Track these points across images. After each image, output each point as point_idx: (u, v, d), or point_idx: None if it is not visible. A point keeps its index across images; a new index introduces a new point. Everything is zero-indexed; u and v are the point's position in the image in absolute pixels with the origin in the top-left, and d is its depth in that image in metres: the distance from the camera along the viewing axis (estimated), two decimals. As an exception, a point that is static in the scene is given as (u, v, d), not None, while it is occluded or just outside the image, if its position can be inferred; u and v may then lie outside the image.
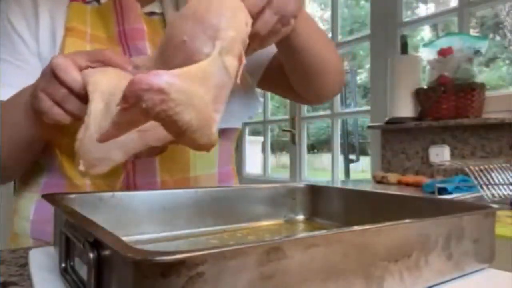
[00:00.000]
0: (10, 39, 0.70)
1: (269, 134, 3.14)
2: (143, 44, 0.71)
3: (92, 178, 0.67)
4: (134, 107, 0.33)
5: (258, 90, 0.88)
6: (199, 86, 0.37)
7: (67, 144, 0.66)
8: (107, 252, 0.31)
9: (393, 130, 1.93)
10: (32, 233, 0.70)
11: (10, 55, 0.70)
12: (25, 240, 0.70)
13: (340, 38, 2.58)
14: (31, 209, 0.70)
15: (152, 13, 0.77)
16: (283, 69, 0.77)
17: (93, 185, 0.67)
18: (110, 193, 0.55)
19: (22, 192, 0.74)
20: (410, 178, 1.60)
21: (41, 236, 0.68)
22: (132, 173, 0.68)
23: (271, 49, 0.81)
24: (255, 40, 0.52)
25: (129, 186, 0.68)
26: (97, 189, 0.67)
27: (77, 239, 0.35)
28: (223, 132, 0.76)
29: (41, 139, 0.66)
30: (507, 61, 2.09)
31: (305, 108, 2.76)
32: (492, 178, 1.09)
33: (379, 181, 1.67)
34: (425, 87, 1.76)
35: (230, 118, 0.74)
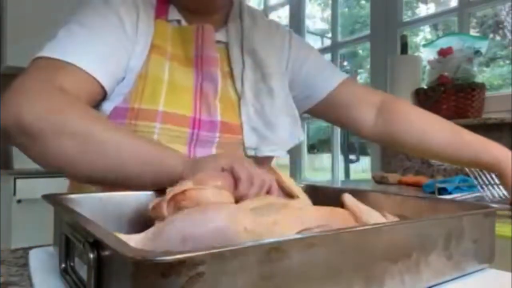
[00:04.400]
0: (107, 18, 0.70)
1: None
2: (215, 70, 0.78)
3: None
4: None
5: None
6: None
7: None
8: (107, 252, 0.31)
9: (393, 130, 1.92)
10: None
11: (97, 23, 0.69)
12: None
13: (340, 38, 2.58)
14: None
15: (218, 42, 0.82)
16: (339, 107, 0.90)
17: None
18: (110, 193, 0.55)
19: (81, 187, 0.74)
20: (410, 178, 1.59)
21: None
22: None
23: (327, 85, 0.89)
24: None
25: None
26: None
27: (77, 239, 0.35)
28: (267, 158, 0.82)
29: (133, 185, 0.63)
30: (507, 61, 2.09)
31: (305, 108, 2.76)
32: (492, 178, 1.09)
33: (379, 181, 1.67)
34: (425, 87, 1.76)
35: (277, 149, 0.80)
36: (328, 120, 0.96)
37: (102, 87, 0.68)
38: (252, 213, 0.43)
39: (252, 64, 0.83)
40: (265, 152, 0.79)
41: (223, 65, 0.82)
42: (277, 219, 0.43)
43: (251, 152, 0.79)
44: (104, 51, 0.69)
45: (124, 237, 0.38)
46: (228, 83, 0.81)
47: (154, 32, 0.76)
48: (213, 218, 0.39)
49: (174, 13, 0.80)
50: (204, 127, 0.75)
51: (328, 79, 0.91)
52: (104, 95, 0.70)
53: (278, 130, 0.80)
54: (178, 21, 0.80)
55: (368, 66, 2.31)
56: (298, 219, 0.44)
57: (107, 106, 0.71)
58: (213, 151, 0.76)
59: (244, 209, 0.43)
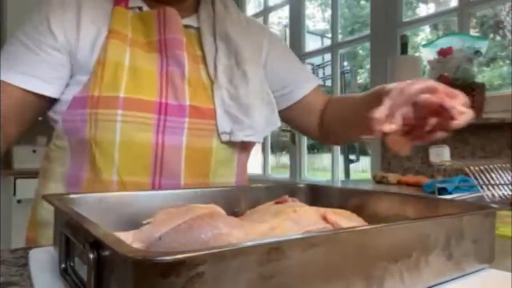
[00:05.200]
0: (38, 31, 0.71)
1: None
2: (181, 54, 0.75)
3: (122, 175, 0.69)
4: None
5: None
6: None
7: (105, 141, 0.69)
8: (107, 253, 0.31)
9: (393, 130, 1.92)
10: None
11: (31, 41, 0.71)
12: (46, 230, 0.71)
13: (340, 38, 2.58)
14: None
15: (188, 26, 0.81)
16: (307, 113, 0.90)
17: (119, 182, 0.69)
18: (110, 193, 0.55)
19: (46, 183, 0.76)
20: (410, 178, 1.60)
21: None
22: (159, 174, 0.71)
23: (304, 90, 0.90)
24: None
25: (154, 186, 0.70)
26: (123, 187, 0.69)
27: (77, 239, 0.35)
28: (244, 145, 0.80)
29: None
30: (507, 61, 2.09)
31: (305, 108, 2.76)
32: (492, 178, 1.09)
33: (379, 181, 1.67)
34: (425, 87, 1.75)
35: (253, 134, 0.78)
36: (283, 120, 0.93)
37: (37, 94, 0.70)
38: (246, 221, 0.43)
39: (226, 49, 0.81)
40: (240, 137, 0.76)
41: (194, 49, 0.80)
42: (274, 224, 0.43)
43: (225, 137, 0.76)
44: (31, 59, 0.70)
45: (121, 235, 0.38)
46: (201, 67, 0.79)
47: (111, 19, 0.74)
48: (203, 231, 0.38)
49: (135, 1, 0.78)
50: (172, 112, 0.72)
51: (304, 82, 0.91)
52: (51, 99, 0.72)
53: (254, 114, 0.77)
54: (140, 8, 0.78)
55: (368, 66, 2.31)
56: (296, 222, 0.44)
57: (66, 97, 0.71)
58: (184, 138, 0.73)
59: (235, 220, 0.42)
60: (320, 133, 0.93)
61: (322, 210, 0.48)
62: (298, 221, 0.44)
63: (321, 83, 0.96)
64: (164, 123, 0.71)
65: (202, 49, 0.80)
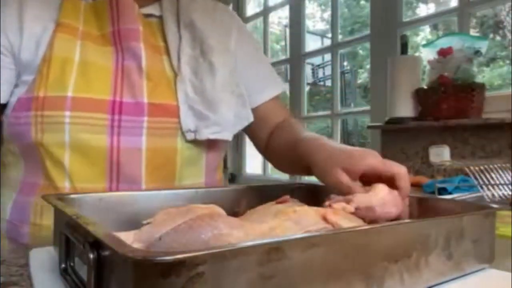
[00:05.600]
0: None
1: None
2: (137, 45, 0.68)
3: (74, 182, 0.65)
4: None
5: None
6: None
7: (53, 145, 0.64)
8: (107, 253, 0.31)
9: (393, 130, 1.93)
10: (8, 233, 0.68)
11: None
12: (3, 240, 0.68)
13: (340, 38, 2.58)
14: (8, 208, 0.68)
15: (150, 15, 0.75)
16: (259, 126, 0.81)
17: (73, 189, 0.65)
18: (110, 193, 0.55)
19: (2, 190, 0.71)
20: (410, 178, 1.59)
21: (17, 237, 0.66)
22: (116, 179, 0.66)
23: (263, 96, 0.82)
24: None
25: (111, 191, 0.66)
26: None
27: (77, 239, 0.35)
28: (212, 143, 0.74)
29: None
30: (507, 61, 2.09)
31: (305, 108, 2.76)
32: (492, 178, 1.09)
33: (379, 181, 1.66)
34: (425, 87, 1.76)
35: (221, 130, 0.72)
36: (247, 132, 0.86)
37: None
38: (246, 222, 0.43)
39: (190, 38, 0.74)
40: (205, 134, 0.70)
41: (156, 39, 0.74)
42: (274, 224, 0.43)
43: (190, 136, 0.70)
44: None
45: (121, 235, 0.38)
46: (164, 58, 0.73)
47: (60, 12, 0.68)
48: (203, 232, 0.38)
49: None
50: (128, 111, 0.66)
51: (265, 88, 0.83)
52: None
53: (221, 109, 0.71)
54: None
55: (368, 66, 2.31)
56: (296, 222, 0.44)
57: (12, 99, 0.66)
58: (143, 139, 0.67)
59: (235, 220, 0.42)
60: (265, 153, 0.85)
61: (322, 210, 0.47)
62: (298, 221, 0.44)
63: (283, 90, 0.88)
64: (119, 123, 0.65)
65: (165, 39, 0.74)
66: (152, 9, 0.75)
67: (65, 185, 0.65)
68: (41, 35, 0.66)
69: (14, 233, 0.67)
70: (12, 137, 0.68)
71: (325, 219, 0.45)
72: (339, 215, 0.46)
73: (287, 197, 0.58)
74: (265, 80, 0.85)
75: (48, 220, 0.64)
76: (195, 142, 0.71)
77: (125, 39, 0.68)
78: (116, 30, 0.69)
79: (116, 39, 0.69)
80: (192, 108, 0.70)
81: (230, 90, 0.74)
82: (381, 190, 0.52)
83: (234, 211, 0.61)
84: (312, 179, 0.65)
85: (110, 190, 0.66)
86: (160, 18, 0.76)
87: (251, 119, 0.78)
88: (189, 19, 0.75)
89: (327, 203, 0.50)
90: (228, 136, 0.74)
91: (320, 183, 0.61)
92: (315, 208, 0.49)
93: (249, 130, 0.84)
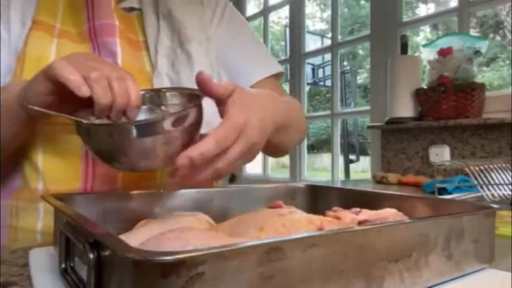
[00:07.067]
0: None
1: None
2: (112, 41, 0.66)
3: (48, 183, 0.63)
4: None
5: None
6: None
7: (29, 146, 0.62)
8: (107, 253, 0.31)
9: (393, 130, 1.93)
10: None
11: None
12: None
13: (340, 38, 2.58)
14: None
15: (131, 9, 0.73)
16: None
17: (47, 190, 0.63)
18: (110, 193, 0.55)
19: None
20: (410, 178, 1.59)
21: None
22: (91, 179, 0.64)
23: (251, 77, 0.76)
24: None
25: (87, 193, 0.64)
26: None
27: (77, 239, 0.35)
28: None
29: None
30: (507, 61, 2.09)
31: (305, 108, 2.76)
32: (492, 178, 1.09)
33: (379, 181, 1.67)
34: (425, 87, 1.76)
35: (208, 128, 0.69)
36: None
37: None
38: (223, 235, 0.42)
39: (168, 29, 0.72)
40: None
41: (136, 34, 0.71)
42: (260, 236, 0.42)
43: None
44: None
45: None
46: (143, 54, 0.71)
47: (37, 8, 0.66)
48: (171, 246, 0.37)
49: None
50: None
51: (254, 69, 0.78)
52: None
53: (209, 112, 0.66)
54: None
55: (368, 66, 2.31)
56: (285, 228, 0.44)
57: None
58: None
59: (208, 234, 0.41)
60: None
61: (318, 221, 0.45)
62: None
63: (280, 71, 0.81)
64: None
65: (145, 33, 0.72)
66: (132, 2, 0.73)
67: (38, 186, 0.63)
68: (20, 31, 0.65)
69: None
70: None
71: (321, 229, 0.44)
72: (336, 225, 0.45)
73: (281, 202, 0.57)
74: (255, 61, 0.80)
75: (23, 222, 0.63)
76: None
77: (100, 35, 0.67)
78: (92, 26, 0.67)
79: (92, 36, 0.67)
80: None
81: None
82: (385, 211, 0.52)
83: (228, 213, 0.61)
84: (312, 179, 0.65)
85: (85, 188, 0.64)
86: (140, 11, 0.73)
87: None
88: (167, 9, 0.73)
89: (331, 213, 0.49)
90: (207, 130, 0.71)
91: (320, 184, 0.61)
92: (309, 217, 0.47)
93: None
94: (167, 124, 0.46)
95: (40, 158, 0.63)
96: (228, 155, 0.45)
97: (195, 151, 0.42)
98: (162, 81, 0.69)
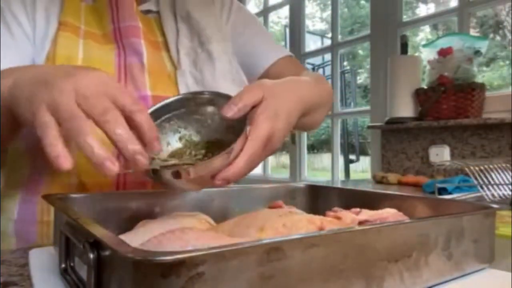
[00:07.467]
0: (3, 19, 0.67)
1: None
2: (138, 42, 0.70)
3: (82, 176, 0.64)
4: None
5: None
6: None
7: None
8: (107, 252, 0.31)
9: (393, 130, 1.93)
10: (16, 232, 0.67)
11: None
12: (10, 240, 0.68)
13: (340, 38, 2.58)
14: (15, 208, 0.68)
15: (148, 11, 0.76)
16: None
17: (80, 184, 0.65)
18: (110, 193, 0.55)
19: (6, 190, 0.71)
20: (410, 178, 1.59)
21: (25, 236, 0.66)
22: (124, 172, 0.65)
23: (264, 62, 0.80)
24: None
25: (118, 184, 0.66)
26: (82, 188, 0.64)
27: (77, 239, 0.35)
28: None
29: None
30: (507, 61, 2.09)
31: (305, 108, 2.75)
32: (492, 178, 1.09)
33: (379, 181, 1.67)
34: (425, 87, 1.76)
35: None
36: None
37: None
38: (223, 235, 0.42)
39: (187, 30, 0.75)
40: None
41: (155, 35, 0.75)
42: (260, 236, 0.42)
43: None
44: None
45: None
46: (163, 55, 0.75)
47: (63, 10, 0.69)
48: (172, 246, 0.37)
49: None
50: None
51: (266, 53, 0.82)
52: None
53: None
54: None
55: (368, 66, 2.31)
56: (285, 228, 0.44)
57: None
58: None
59: (209, 234, 0.41)
60: None
61: (318, 221, 0.45)
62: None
63: (290, 54, 0.85)
64: None
65: (164, 34, 0.75)
66: (150, 5, 0.77)
67: (70, 180, 0.64)
68: (45, 31, 0.67)
69: (22, 233, 0.67)
70: (23, 135, 0.67)
71: (321, 229, 0.44)
72: (336, 225, 0.45)
73: (281, 202, 0.57)
74: (270, 44, 0.84)
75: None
76: None
77: (126, 36, 0.70)
78: (117, 27, 0.70)
79: (117, 37, 0.70)
80: None
81: (230, 78, 0.75)
82: (385, 211, 0.52)
83: (228, 213, 0.61)
84: (312, 179, 0.65)
85: (118, 182, 0.66)
86: (158, 13, 0.77)
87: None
88: (185, 11, 0.76)
89: (331, 214, 0.49)
90: None
91: (320, 184, 0.61)
92: (309, 217, 0.47)
93: None
94: (196, 171, 0.44)
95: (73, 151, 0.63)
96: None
97: (230, 173, 0.44)
98: (186, 79, 0.72)
